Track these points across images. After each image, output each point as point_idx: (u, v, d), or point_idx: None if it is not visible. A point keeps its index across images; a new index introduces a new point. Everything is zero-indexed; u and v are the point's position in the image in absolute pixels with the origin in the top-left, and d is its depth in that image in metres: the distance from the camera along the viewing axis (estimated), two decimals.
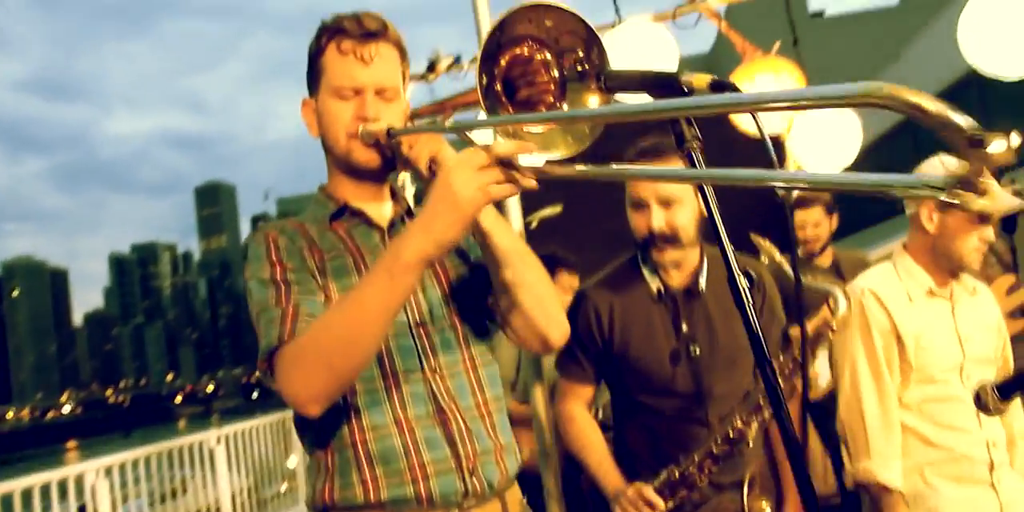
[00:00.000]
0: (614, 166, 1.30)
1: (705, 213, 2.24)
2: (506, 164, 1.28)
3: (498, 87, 1.35)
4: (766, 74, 4.50)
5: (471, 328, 1.69)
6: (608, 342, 2.35)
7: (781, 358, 2.27)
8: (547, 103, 1.37)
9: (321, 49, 1.66)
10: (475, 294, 1.70)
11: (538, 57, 1.36)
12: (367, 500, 1.54)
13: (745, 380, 2.31)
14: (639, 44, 3.60)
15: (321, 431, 1.59)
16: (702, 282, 2.30)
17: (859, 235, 14.39)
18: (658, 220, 2.22)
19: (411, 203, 1.79)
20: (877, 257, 4.50)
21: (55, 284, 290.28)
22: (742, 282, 1.16)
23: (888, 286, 2.48)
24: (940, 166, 2.29)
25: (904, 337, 2.42)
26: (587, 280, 2.56)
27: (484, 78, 1.33)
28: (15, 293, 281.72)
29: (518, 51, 1.36)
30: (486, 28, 3.17)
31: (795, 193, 4.18)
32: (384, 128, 1.59)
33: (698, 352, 2.26)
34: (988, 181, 0.88)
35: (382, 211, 1.72)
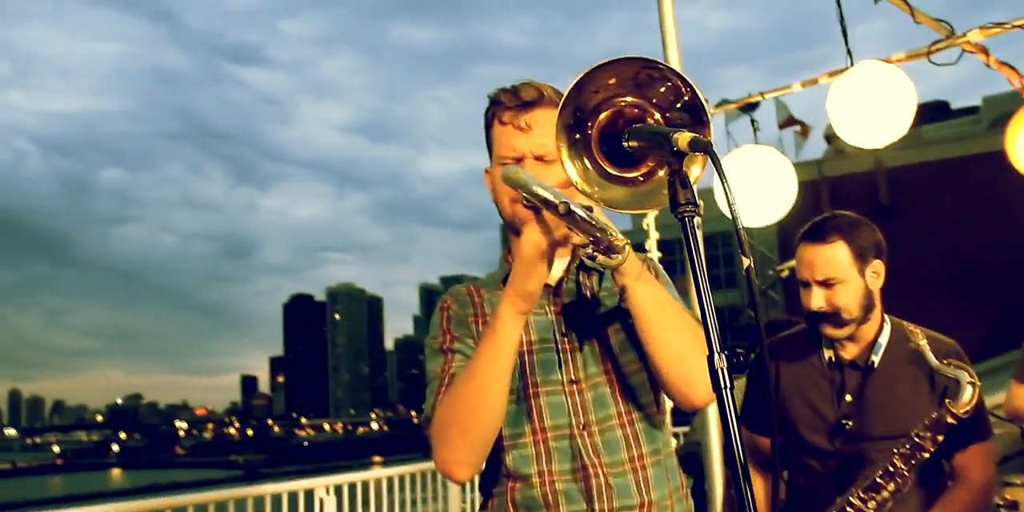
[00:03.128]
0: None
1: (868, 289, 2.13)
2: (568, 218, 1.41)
3: (593, 144, 1.41)
4: None
5: (631, 383, 1.71)
6: (779, 399, 2.45)
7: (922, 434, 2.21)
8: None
9: (489, 123, 1.79)
10: (635, 350, 1.71)
11: (626, 103, 1.39)
12: None
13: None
14: (872, 89, 3.45)
15: (486, 479, 1.75)
16: (875, 358, 2.36)
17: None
18: (817, 300, 2.34)
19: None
20: None
21: (371, 310, 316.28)
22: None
23: None
24: None
25: None
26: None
27: (572, 121, 1.39)
28: (337, 316, 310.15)
29: (612, 106, 1.40)
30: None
31: None
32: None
33: (851, 425, 2.31)
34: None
35: (553, 270, 1.69)
